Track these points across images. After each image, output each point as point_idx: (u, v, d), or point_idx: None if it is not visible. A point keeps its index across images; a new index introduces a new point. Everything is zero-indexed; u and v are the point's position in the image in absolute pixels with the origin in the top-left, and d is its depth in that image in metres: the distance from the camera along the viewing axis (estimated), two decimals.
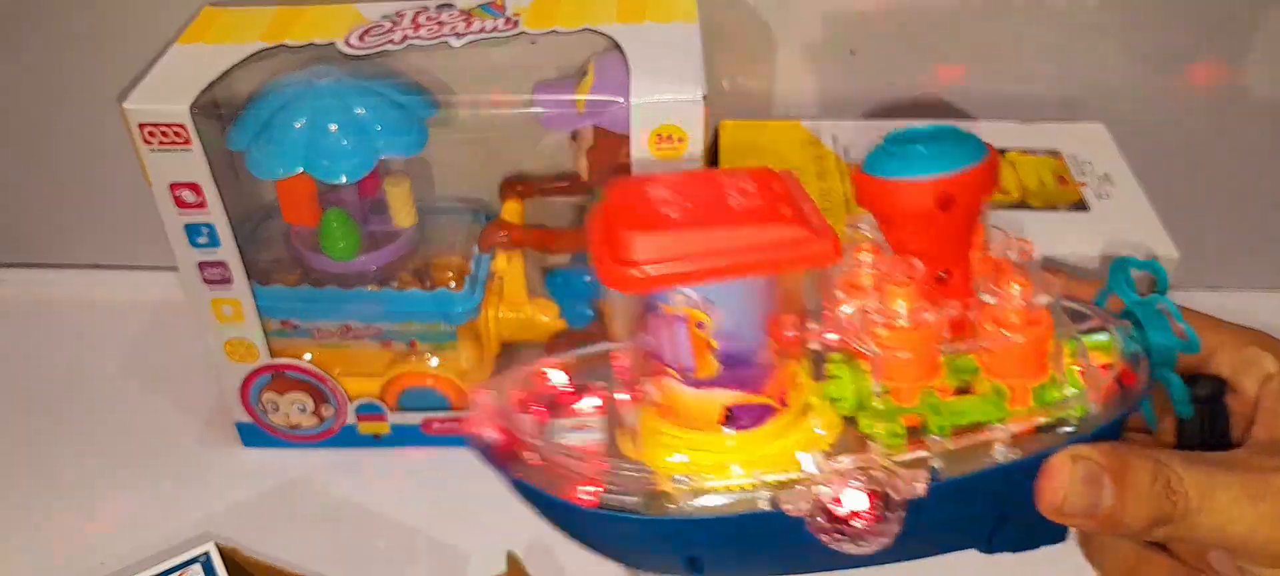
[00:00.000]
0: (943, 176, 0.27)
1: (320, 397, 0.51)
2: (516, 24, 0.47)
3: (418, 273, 0.49)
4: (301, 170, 0.45)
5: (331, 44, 0.46)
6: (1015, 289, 0.27)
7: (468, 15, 0.48)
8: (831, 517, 0.27)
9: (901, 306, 0.27)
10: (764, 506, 0.27)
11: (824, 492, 0.27)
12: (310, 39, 0.46)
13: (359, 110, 0.45)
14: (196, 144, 0.43)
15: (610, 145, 0.46)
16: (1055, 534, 0.31)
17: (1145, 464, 0.28)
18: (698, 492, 0.27)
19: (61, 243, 0.68)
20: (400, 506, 0.51)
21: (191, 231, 0.46)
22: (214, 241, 0.46)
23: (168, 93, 0.43)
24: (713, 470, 0.28)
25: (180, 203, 0.45)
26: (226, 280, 0.47)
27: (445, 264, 0.50)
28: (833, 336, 0.28)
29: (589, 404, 0.30)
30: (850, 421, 0.29)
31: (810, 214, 0.27)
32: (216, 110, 0.45)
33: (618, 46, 0.45)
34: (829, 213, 0.48)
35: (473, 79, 0.49)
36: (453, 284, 0.49)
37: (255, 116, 0.45)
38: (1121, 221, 0.49)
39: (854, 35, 0.57)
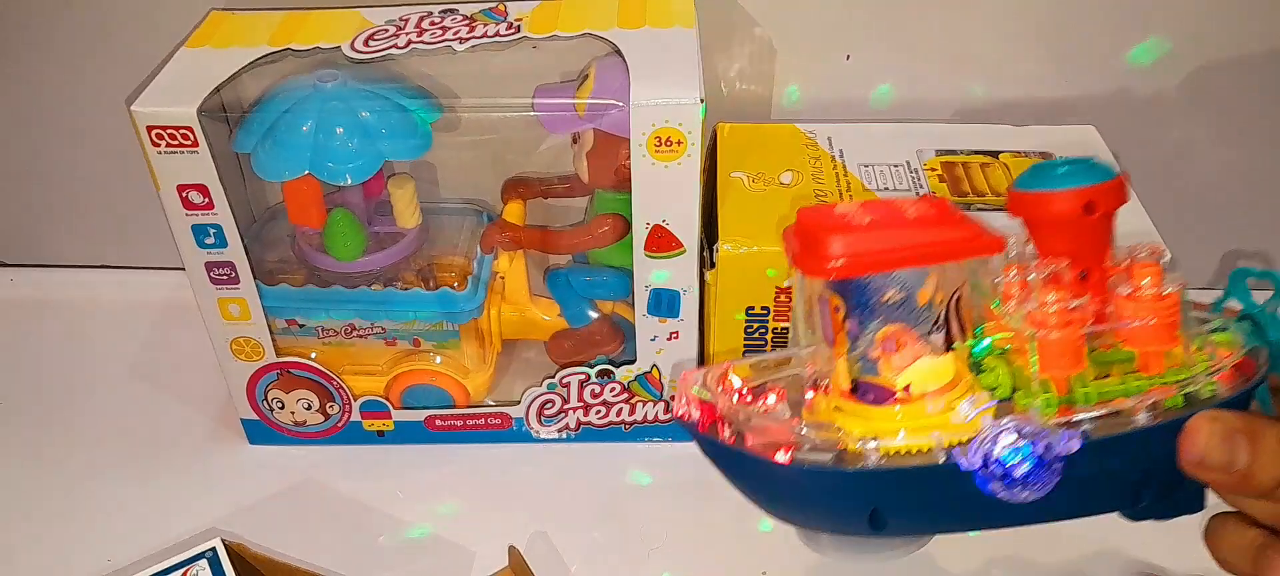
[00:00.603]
0: (1087, 187, 0.33)
1: (325, 395, 0.52)
2: (518, 29, 0.47)
3: (421, 273, 0.50)
4: (307, 172, 0.46)
5: (337, 48, 0.47)
6: (1146, 280, 0.33)
7: (470, 20, 0.49)
8: (998, 468, 0.32)
9: (1052, 297, 0.33)
10: (940, 459, 0.32)
11: (991, 446, 0.32)
12: (316, 43, 0.47)
13: (364, 113, 0.46)
14: (204, 146, 0.44)
15: (610, 148, 0.47)
16: (1193, 504, 0.35)
17: (1274, 429, 0.32)
18: (881, 450, 0.33)
19: (67, 242, 0.69)
20: (404, 502, 0.52)
21: (198, 232, 0.46)
22: (221, 242, 0.47)
23: (175, 96, 0.44)
24: (887, 435, 0.33)
25: (187, 204, 0.46)
26: (233, 280, 0.48)
27: (448, 264, 0.51)
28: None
29: (771, 399, 0.34)
30: (1005, 403, 0.34)
31: (972, 221, 0.33)
32: (223, 113, 0.46)
33: (618, 51, 0.46)
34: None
35: (475, 83, 0.50)
36: (455, 284, 0.50)
37: (261, 119, 0.46)
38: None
39: (851, 39, 0.58)
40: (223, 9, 0.52)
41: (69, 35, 0.60)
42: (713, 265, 0.48)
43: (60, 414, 0.58)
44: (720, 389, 0.35)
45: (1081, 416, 0.33)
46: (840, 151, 0.54)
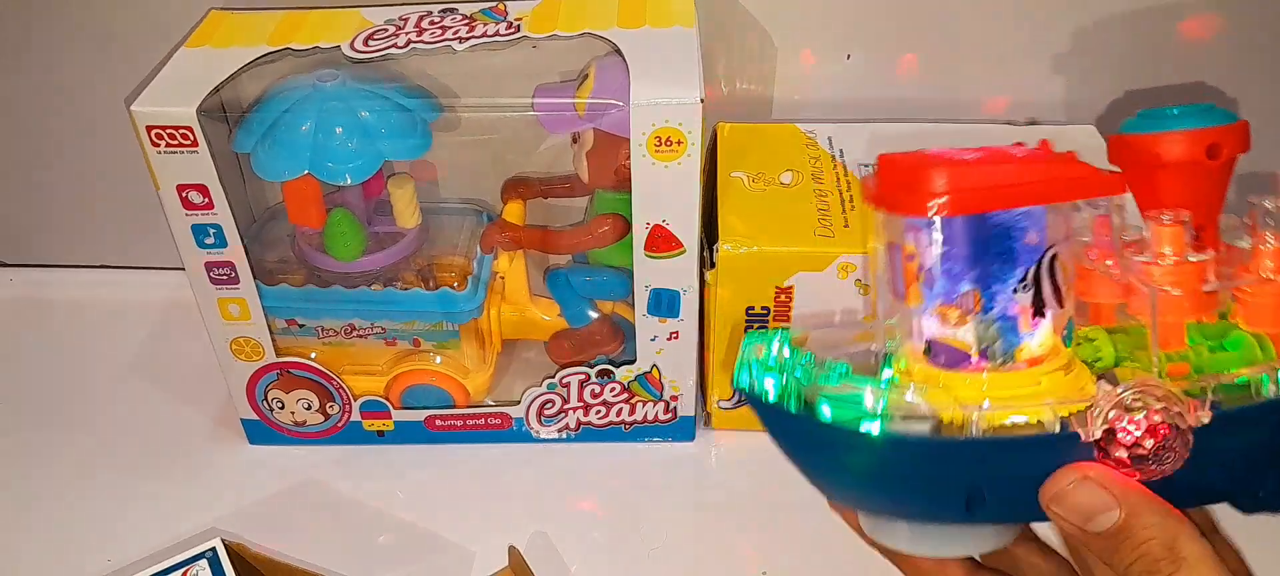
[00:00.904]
0: (1211, 128, 0.30)
1: (325, 395, 0.52)
2: (518, 28, 0.47)
3: (421, 273, 0.50)
4: (307, 172, 0.46)
5: (336, 48, 0.47)
6: (1271, 237, 0.30)
7: (470, 20, 0.49)
8: (1121, 443, 0.29)
9: (1168, 249, 0.29)
10: (1056, 430, 0.29)
11: (1116, 416, 0.28)
12: (315, 43, 0.47)
13: (364, 113, 0.46)
14: (203, 146, 0.44)
15: (610, 147, 0.47)
16: None
17: None
18: (987, 420, 0.29)
19: (67, 242, 0.69)
20: (404, 502, 0.52)
21: (198, 232, 0.46)
22: (221, 242, 0.47)
23: (175, 96, 0.44)
24: (984, 395, 0.30)
25: (187, 204, 0.45)
26: (233, 280, 0.48)
27: (448, 264, 0.51)
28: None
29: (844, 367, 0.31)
30: (1104, 378, 0.30)
31: (1084, 162, 0.30)
32: (223, 113, 0.46)
33: (618, 51, 0.46)
34: (828, 213, 0.50)
35: (476, 82, 0.50)
36: (455, 284, 0.50)
37: (261, 119, 0.46)
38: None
39: (852, 39, 0.58)
40: (222, 8, 0.52)
41: (69, 35, 0.60)
42: (713, 265, 0.48)
43: (59, 414, 0.58)
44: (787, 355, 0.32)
45: (1206, 385, 0.29)
46: (840, 151, 0.54)
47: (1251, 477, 0.31)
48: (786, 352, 0.32)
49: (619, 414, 0.53)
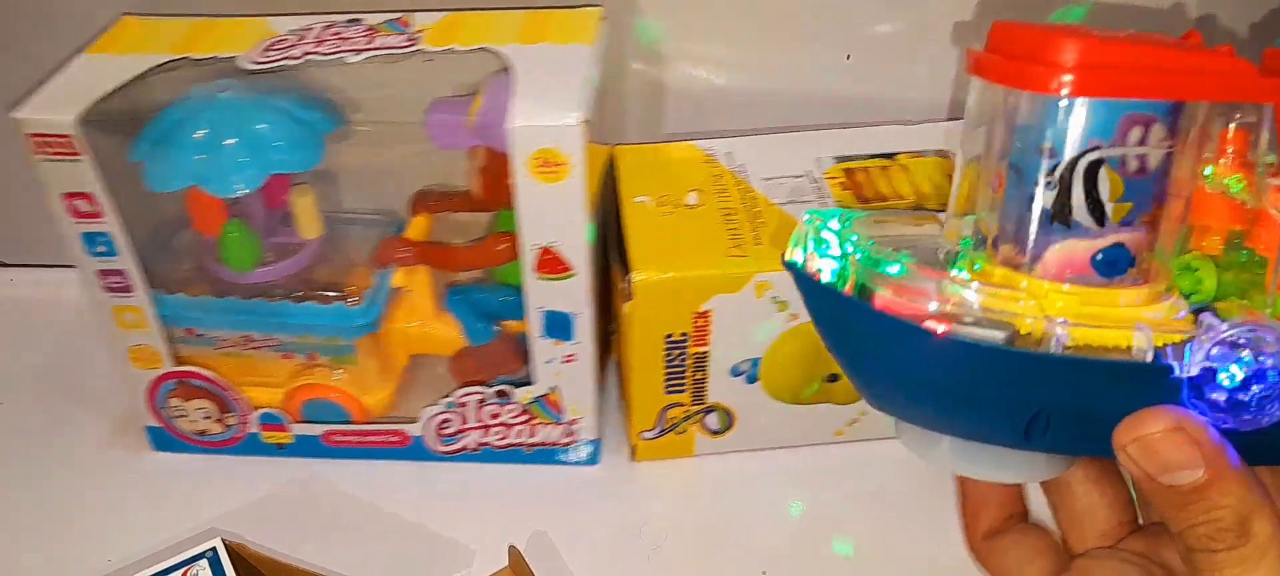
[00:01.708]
0: None
1: (223, 405, 0.52)
2: (416, 41, 0.47)
3: (317, 285, 0.50)
4: (193, 184, 0.45)
5: (233, 58, 0.46)
6: None
7: (373, 31, 0.48)
8: (1219, 386, 0.26)
9: None
10: (1147, 358, 0.26)
11: (1219, 352, 0.26)
12: (219, 52, 0.47)
13: (258, 125, 0.46)
14: (87, 155, 0.43)
15: (501, 165, 0.46)
16: None
17: None
18: (1073, 336, 0.26)
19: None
20: (404, 502, 0.51)
21: (89, 240, 0.46)
22: (112, 250, 0.47)
23: (60, 103, 0.44)
24: (1066, 309, 0.27)
25: (75, 212, 0.45)
26: (127, 288, 0.48)
27: (347, 277, 0.50)
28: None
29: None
30: (1201, 311, 0.28)
31: (1231, 55, 0.26)
32: (114, 120, 0.46)
33: (510, 66, 0.45)
34: (739, 231, 0.48)
35: (387, 94, 0.50)
36: (349, 298, 0.49)
37: (155, 129, 0.46)
38: None
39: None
40: (134, 13, 0.51)
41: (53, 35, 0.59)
42: (630, 296, 0.47)
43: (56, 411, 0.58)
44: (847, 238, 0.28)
45: None
46: (741, 166, 0.53)
47: None
48: (849, 232, 0.29)
49: (519, 435, 0.52)
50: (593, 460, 0.53)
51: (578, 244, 0.45)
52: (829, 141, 0.55)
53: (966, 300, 0.26)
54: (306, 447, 0.53)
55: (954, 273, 0.29)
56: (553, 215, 0.44)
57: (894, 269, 0.27)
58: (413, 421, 0.52)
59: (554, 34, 0.47)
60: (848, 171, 0.52)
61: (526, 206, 0.44)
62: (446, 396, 0.51)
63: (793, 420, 0.52)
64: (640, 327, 0.48)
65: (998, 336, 0.26)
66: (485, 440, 0.52)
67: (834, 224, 0.29)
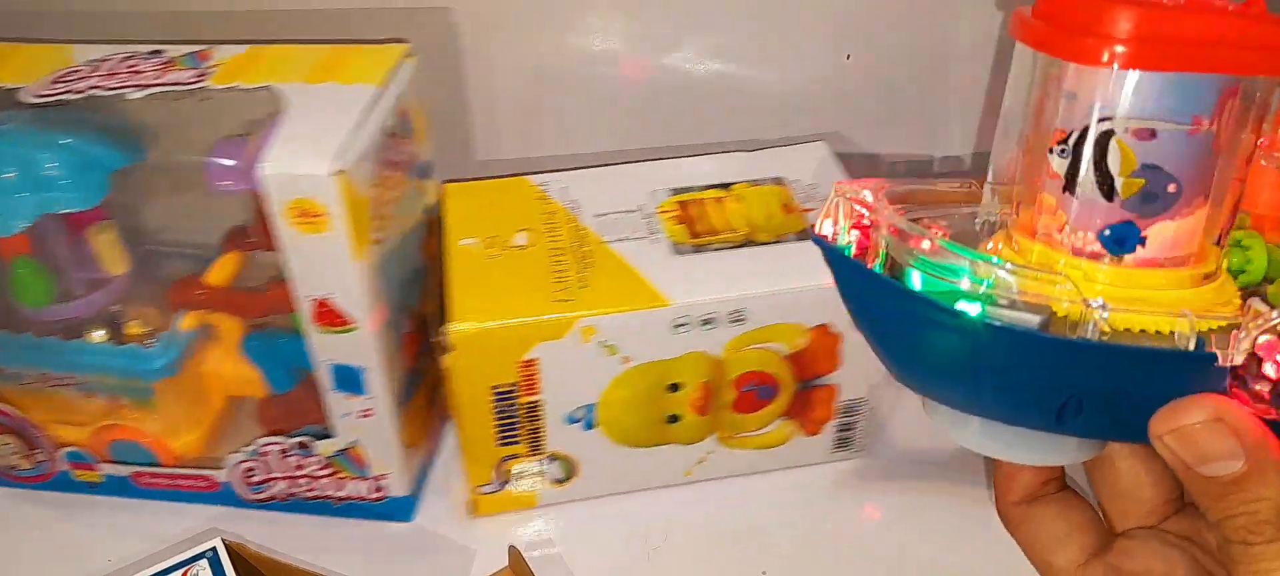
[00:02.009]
0: None
1: (29, 442, 0.50)
2: (205, 77, 0.44)
3: (116, 324, 0.48)
4: None
5: (16, 89, 0.45)
6: None
7: (169, 64, 0.46)
8: (1265, 375, 0.25)
9: None
10: (1189, 346, 0.25)
11: (1267, 344, 0.25)
12: (7, 82, 0.45)
13: (39, 160, 0.44)
14: None
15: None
16: None
17: None
18: (1111, 321, 0.25)
19: None
20: None
21: None
22: None
23: None
24: (1110, 291, 0.26)
25: None
26: None
27: (149, 316, 0.48)
28: None
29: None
30: (1253, 294, 0.28)
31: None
32: None
33: (284, 107, 0.42)
34: (565, 272, 0.45)
35: (190, 131, 0.48)
36: (145, 340, 0.47)
37: None
38: None
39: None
40: None
41: None
42: (448, 349, 0.44)
43: None
44: (881, 208, 0.28)
45: None
46: (574, 202, 0.49)
47: None
48: (883, 205, 0.28)
49: (326, 488, 0.50)
50: (405, 517, 0.50)
51: (355, 297, 0.42)
52: (666, 172, 0.52)
53: (1002, 280, 0.25)
54: (117, 487, 0.51)
55: (989, 247, 0.29)
56: (322, 267, 0.42)
57: (926, 244, 0.26)
58: (220, 468, 0.50)
59: (345, 72, 0.44)
60: (682, 204, 0.50)
61: (293, 257, 0.41)
62: (248, 444, 0.49)
63: (639, 464, 0.50)
64: (465, 380, 0.45)
65: (1032, 320, 0.25)
66: (293, 490, 0.50)
67: (866, 195, 0.28)
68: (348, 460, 0.48)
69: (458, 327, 0.44)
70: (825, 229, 0.29)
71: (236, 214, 0.52)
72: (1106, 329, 0.25)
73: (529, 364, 0.45)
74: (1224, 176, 0.26)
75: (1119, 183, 0.26)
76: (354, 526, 0.50)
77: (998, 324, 0.25)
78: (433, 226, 0.50)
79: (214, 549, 0.42)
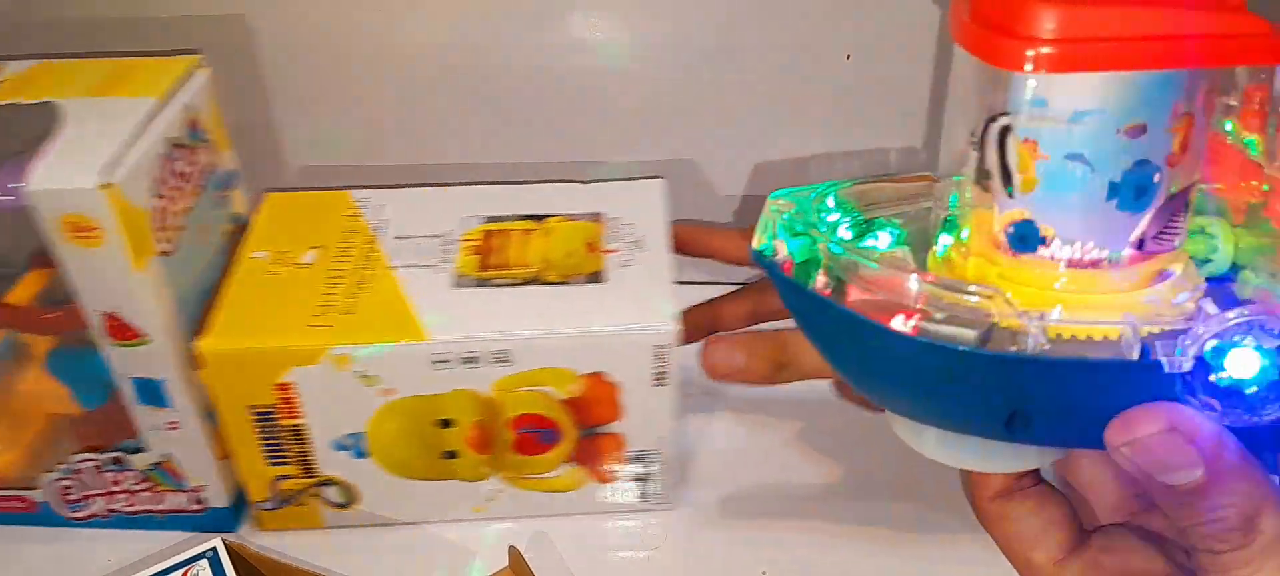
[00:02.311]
0: None
1: None
2: None
3: None
4: None
5: None
6: None
7: None
8: (1214, 382, 0.24)
9: None
10: (1133, 354, 0.24)
11: (1214, 344, 0.24)
12: None
13: None
14: None
15: None
16: None
17: None
18: (1049, 331, 0.24)
19: None
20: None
21: None
22: None
23: None
24: (1053, 300, 0.25)
25: None
26: None
27: None
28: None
29: (886, 236, 0.27)
30: (1217, 282, 0.26)
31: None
32: None
33: (62, 122, 0.42)
34: (335, 296, 0.45)
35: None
36: None
37: None
38: (625, 294, 0.45)
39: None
40: None
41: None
42: (199, 365, 0.44)
43: None
44: (820, 219, 0.28)
45: None
46: (383, 222, 0.50)
47: None
48: (825, 212, 0.28)
49: (147, 502, 0.49)
50: (228, 528, 0.50)
51: (142, 310, 0.42)
52: (486, 199, 0.52)
53: (938, 296, 0.25)
54: None
55: (937, 252, 0.28)
56: (103, 281, 0.41)
57: (863, 263, 0.26)
58: (34, 487, 0.49)
59: (129, 85, 0.44)
60: (488, 233, 0.49)
61: (73, 272, 0.41)
62: (62, 462, 0.48)
63: (424, 496, 0.49)
64: (222, 397, 0.45)
65: (970, 335, 0.25)
66: (113, 506, 0.50)
67: (815, 201, 0.28)
68: (163, 473, 0.48)
69: (207, 345, 0.43)
70: (763, 242, 0.28)
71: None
72: (1048, 340, 0.24)
73: (285, 387, 0.44)
74: (1176, 167, 0.25)
75: (1017, 179, 0.25)
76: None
77: (932, 343, 0.24)
78: (240, 237, 0.50)
79: (214, 549, 0.42)
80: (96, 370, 0.48)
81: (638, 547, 0.49)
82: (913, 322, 0.25)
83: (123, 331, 0.43)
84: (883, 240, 0.29)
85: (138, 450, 0.48)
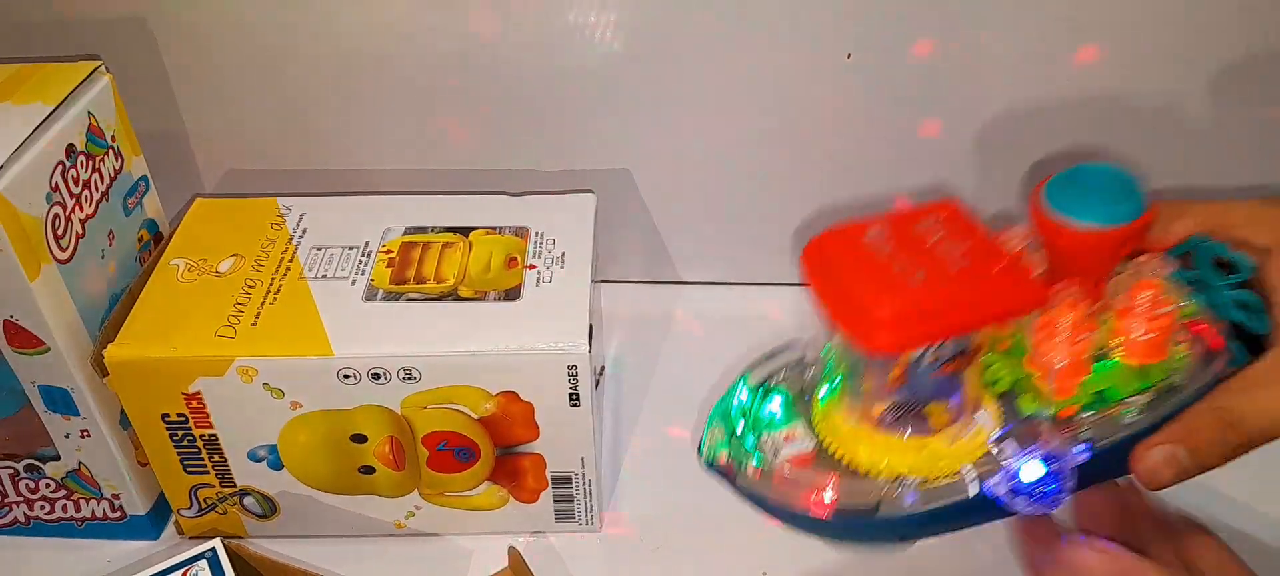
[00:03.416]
0: (1129, 226, 0.34)
1: None
2: None
3: None
4: None
5: None
6: (1144, 294, 0.35)
7: None
8: (1021, 488, 0.34)
9: (1068, 318, 0.34)
10: (971, 493, 0.34)
11: (1017, 474, 0.33)
12: None
13: None
14: None
15: None
16: None
17: (1207, 420, 0.34)
18: (920, 490, 0.34)
19: None
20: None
21: None
22: None
23: None
24: (910, 467, 0.34)
25: None
26: None
27: None
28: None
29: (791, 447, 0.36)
30: (1005, 398, 0.35)
31: (1005, 260, 0.33)
32: None
33: None
34: (245, 307, 0.44)
35: None
36: None
37: None
38: (539, 312, 0.44)
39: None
40: None
41: None
42: (104, 372, 0.43)
43: None
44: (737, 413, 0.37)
45: (1085, 418, 0.34)
46: (303, 232, 0.48)
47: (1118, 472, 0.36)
48: (744, 396, 0.37)
49: (66, 510, 0.49)
50: (148, 536, 0.50)
51: (37, 317, 0.41)
52: (410, 209, 0.50)
53: (840, 485, 0.34)
54: None
55: (820, 400, 0.37)
56: None
57: (780, 462, 0.35)
58: None
59: (22, 93, 0.43)
60: (407, 246, 0.47)
61: None
62: None
63: (345, 509, 0.48)
64: (132, 405, 0.44)
65: (867, 506, 0.34)
66: (33, 514, 0.49)
67: (717, 427, 0.37)
68: (80, 481, 0.47)
69: (113, 354, 0.42)
70: (707, 458, 0.37)
71: None
72: (919, 498, 0.34)
73: (194, 397, 0.43)
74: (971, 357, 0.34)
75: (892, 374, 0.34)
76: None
77: (842, 520, 0.34)
78: (157, 242, 0.49)
79: (213, 549, 0.42)
80: (6, 378, 0.48)
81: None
82: (831, 510, 0.34)
83: (22, 339, 0.42)
84: (775, 403, 0.37)
85: (55, 458, 0.47)
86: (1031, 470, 0.33)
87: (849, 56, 0.53)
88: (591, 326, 0.44)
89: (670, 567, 0.48)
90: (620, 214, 0.60)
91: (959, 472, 0.33)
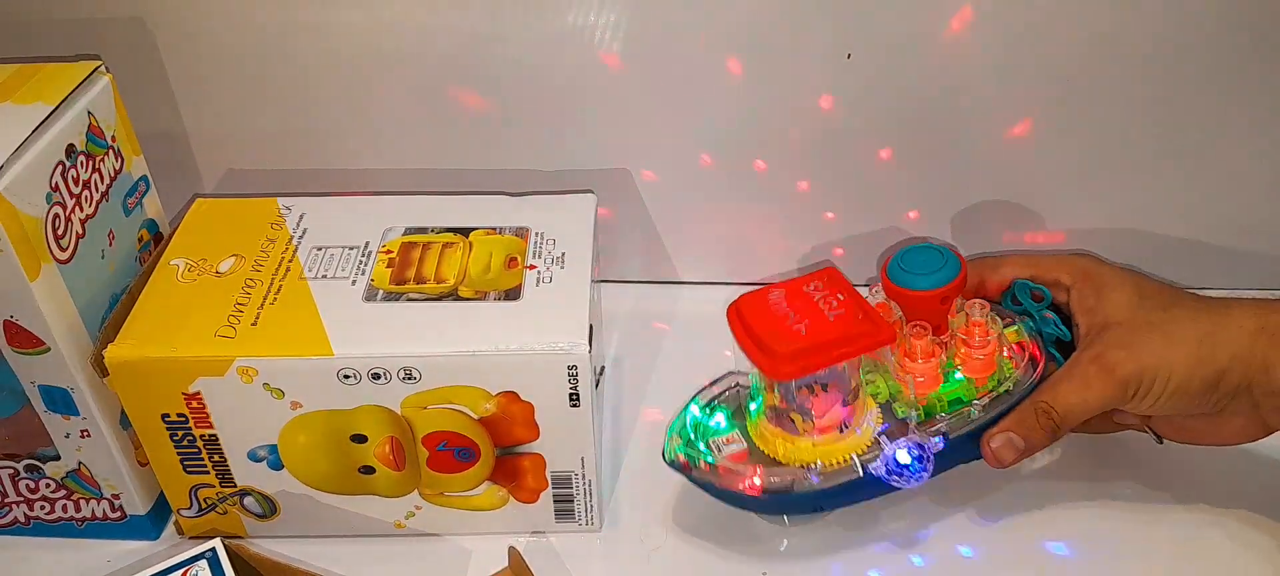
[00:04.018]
0: (944, 287, 0.46)
1: None
2: None
3: None
4: None
5: None
6: (976, 330, 0.47)
7: None
8: (898, 472, 0.45)
9: (920, 345, 0.47)
10: (859, 473, 0.45)
11: (892, 459, 0.45)
12: None
13: None
14: None
15: None
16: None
17: (1029, 411, 0.46)
18: (821, 473, 0.45)
19: None
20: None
21: None
22: None
23: None
24: (814, 457, 0.46)
25: None
26: None
27: None
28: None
29: (733, 448, 0.47)
30: (884, 405, 0.47)
31: (867, 310, 0.45)
32: None
33: None
34: (245, 308, 0.44)
35: None
36: None
37: None
38: (539, 313, 0.44)
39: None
40: None
41: None
42: (104, 372, 0.43)
43: None
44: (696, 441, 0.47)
45: (940, 424, 0.46)
46: (303, 232, 0.48)
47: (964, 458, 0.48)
48: (696, 411, 0.48)
49: (66, 510, 0.49)
50: (148, 536, 0.50)
51: (37, 317, 0.41)
52: (411, 209, 0.50)
53: (764, 472, 0.46)
54: None
55: (751, 413, 0.48)
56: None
57: (721, 460, 0.46)
58: None
59: (22, 93, 0.43)
60: (407, 246, 0.47)
61: None
62: None
63: (345, 509, 0.48)
64: (132, 405, 0.44)
65: (785, 486, 0.45)
66: (33, 514, 0.49)
67: (675, 439, 0.48)
68: (80, 481, 0.47)
69: (113, 354, 0.42)
70: (670, 457, 0.47)
71: None
72: (821, 478, 0.45)
73: (194, 397, 0.43)
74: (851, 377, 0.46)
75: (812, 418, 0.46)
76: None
77: (773, 495, 0.46)
78: (157, 243, 0.49)
79: (213, 549, 0.42)
80: (6, 378, 0.48)
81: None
82: (761, 489, 0.46)
83: (24, 339, 0.42)
84: (718, 419, 0.48)
85: (55, 458, 0.47)
86: (903, 456, 0.45)
87: (849, 56, 0.53)
88: (591, 326, 0.44)
89: (670, 567, 0.48)
90: (620, 214, 0.60)
91: (850, 459, 0.45)
